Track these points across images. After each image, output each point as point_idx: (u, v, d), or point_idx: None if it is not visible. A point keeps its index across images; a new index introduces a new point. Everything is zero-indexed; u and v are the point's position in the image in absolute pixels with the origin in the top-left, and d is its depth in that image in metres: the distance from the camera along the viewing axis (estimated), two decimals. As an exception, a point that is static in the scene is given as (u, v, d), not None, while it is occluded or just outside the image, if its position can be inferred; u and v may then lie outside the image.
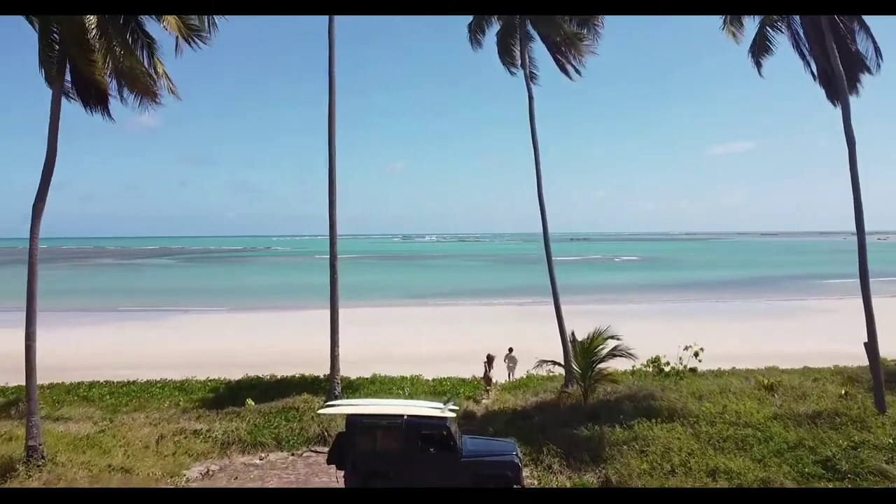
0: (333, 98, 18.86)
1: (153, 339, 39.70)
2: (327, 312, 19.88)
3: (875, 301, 16.89)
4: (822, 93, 18.86)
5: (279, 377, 23.15)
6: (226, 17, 15.25)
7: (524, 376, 23.38)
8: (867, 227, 17.33)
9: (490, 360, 21.47)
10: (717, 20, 18.44)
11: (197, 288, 78.36)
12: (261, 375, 23.29)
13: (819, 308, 51.72)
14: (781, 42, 19.06)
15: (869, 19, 18.10)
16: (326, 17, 17.84)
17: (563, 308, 20.94)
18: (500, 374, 25.85)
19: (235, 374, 24.04)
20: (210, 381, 22.95)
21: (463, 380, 22.78)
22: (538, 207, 21.05)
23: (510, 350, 23.71)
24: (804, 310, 51.10)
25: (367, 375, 23.76)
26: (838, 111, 17.26)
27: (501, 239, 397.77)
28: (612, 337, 16.84)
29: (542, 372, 24.82)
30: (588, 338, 16.88)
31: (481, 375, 21.61)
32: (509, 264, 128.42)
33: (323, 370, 22.23)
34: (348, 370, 26.58)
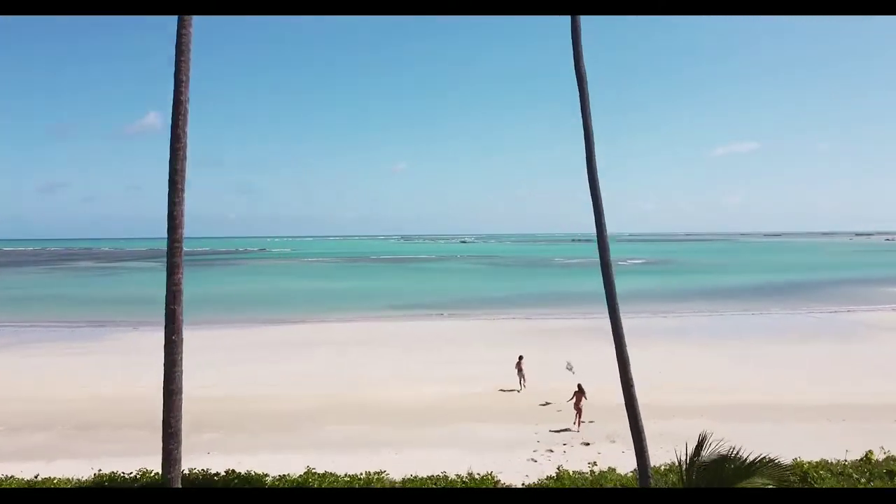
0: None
1: (58, 370, 30.78)
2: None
3: None
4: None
5: (145, 473, 13.86)
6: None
7: (555, 473, 14.43)
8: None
9: (581, 390, 20.76)
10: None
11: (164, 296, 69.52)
12: (108, 474, 13.82)
13: (879, 324, 44.30)
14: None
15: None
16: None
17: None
18: (508, 381, 26.20)
19: (100, 453, 16.40)
20: (15, 482, 13.40)
21: (449, 481, 13.41)
22: (587, 183, 11.16)
23: (520, 359, 25.81)
24: (861, 324, 43.85)
25: (300, 468, 14.37)
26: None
27: (510, 240, 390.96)
28: (768, 462, 6.93)
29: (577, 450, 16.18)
30: (706, 460, 7.10)
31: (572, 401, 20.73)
32: (510, 267, 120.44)
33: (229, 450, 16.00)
34: (290, 428, 18.56)
